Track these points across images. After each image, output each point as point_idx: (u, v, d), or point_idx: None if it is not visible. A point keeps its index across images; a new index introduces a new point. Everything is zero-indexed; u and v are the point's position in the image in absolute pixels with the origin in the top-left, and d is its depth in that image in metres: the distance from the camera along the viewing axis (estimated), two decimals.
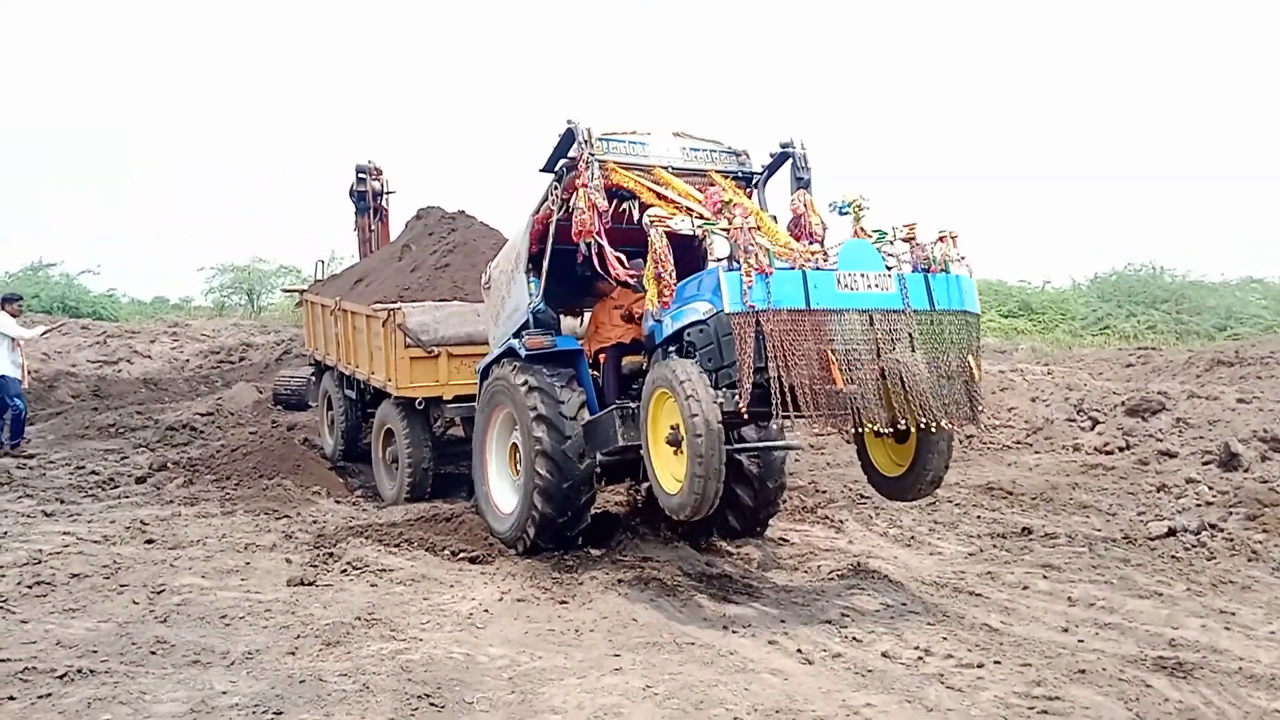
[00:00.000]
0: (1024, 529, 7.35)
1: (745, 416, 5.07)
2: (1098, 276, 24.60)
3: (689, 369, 5.14)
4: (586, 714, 4.07)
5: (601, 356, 6.73)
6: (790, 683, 4.42)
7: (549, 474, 6.23)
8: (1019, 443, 10.97)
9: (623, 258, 5.88)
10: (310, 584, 5.92)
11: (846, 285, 5.24)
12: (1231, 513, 7.30)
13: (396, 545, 6.78)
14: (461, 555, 6.63)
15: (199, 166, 57.89)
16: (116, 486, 9.08)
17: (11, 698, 4.18)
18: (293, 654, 4.76)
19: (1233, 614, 5.37)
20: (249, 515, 7.90)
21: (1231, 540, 6.66)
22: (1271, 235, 39.55)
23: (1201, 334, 19.58)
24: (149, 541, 6.97)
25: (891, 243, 5.57)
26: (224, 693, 4.26)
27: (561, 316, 7.20)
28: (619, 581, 5.92)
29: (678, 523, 7.04)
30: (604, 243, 5.83)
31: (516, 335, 6.76)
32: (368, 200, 14.20)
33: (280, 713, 4.06)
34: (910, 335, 5.25)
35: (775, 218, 6.47)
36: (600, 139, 6.26)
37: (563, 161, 6.39)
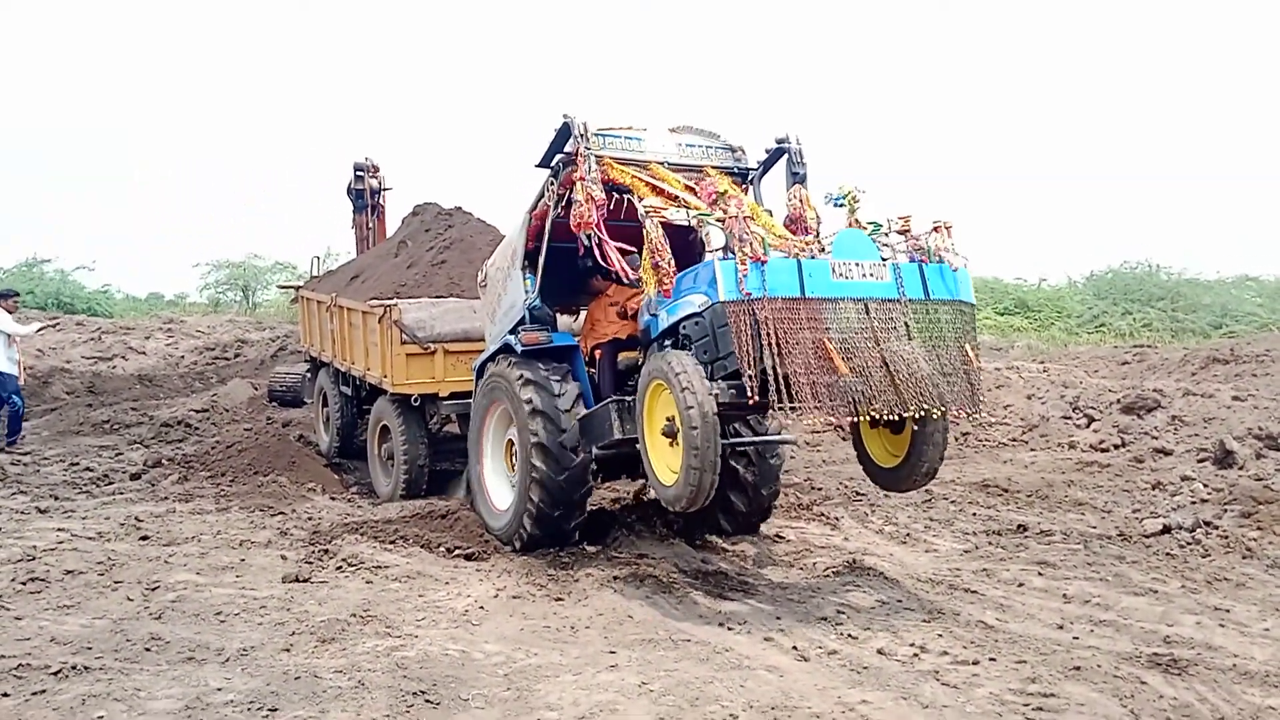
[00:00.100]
0: (1019, 526, 7.36)
1: (754, 403, 5.07)
2: (1094, 274, 24.65)
3: (685, 361, 5.15)
4: (582, 710, 4.06)
5: (598, 353, 6.73)
6: (786, 679, 4.42)
7: (545, 468, 6.23)
8: (1014, 440, 10.98)
9: (625, 247, 5.89)
10: (305, 581, 5.91)
11: (841, 274, 5.25)
12: (1226, 510, 7.31)
13: (392, 542, 6.77)
14: (457, 552, 6.62)
15: (198, 166, 57.81)
16: (111, 483, 9.06)
17: (6, 694, 4.17)
18: (288, 651, 4.75)
19: (1227, 611, 5.38)
20: (244, 512, 7.88)
21: (1226, 538, 6.67)
22: (1267, 233, 39.63)
23: (1197, 332, 19.60)
24: (144, 538, 6.96)
25: (887, 235, 5.58)
26: (219, 689, 4.26)
27: (558, 315, 7.20)
28: (614, 578, 5.92)
29: (673, 519, 7.07)
30: (603, 235, 5.83)
31: (513, 332, 6.76)
32: (366, 198, 14.18)
33: (275, 709, 4.06)
34: (906, 324, 5.26)
35: (771, 212, 6.47)
36: (596, 134, 6.26)
37: (559, 157, 6.39)
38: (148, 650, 4.73)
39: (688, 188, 6.03)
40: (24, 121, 53.26)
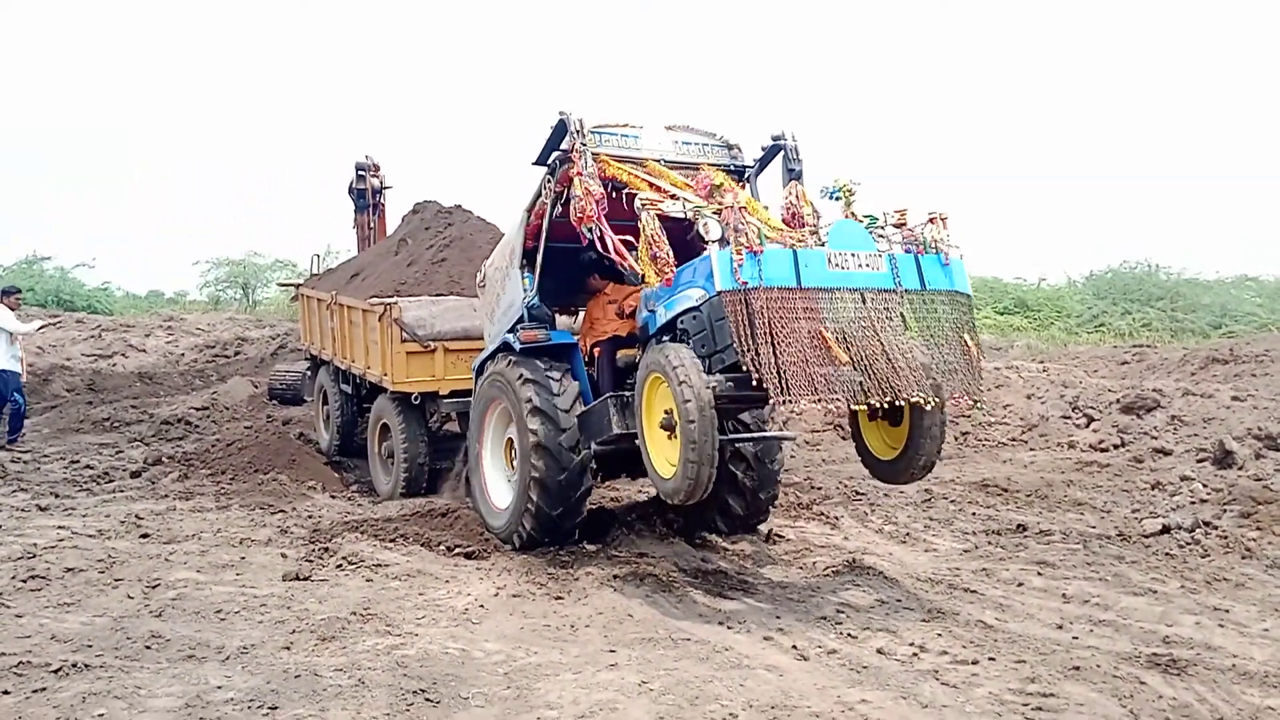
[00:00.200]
0: (1019, 526, 7.36)
1: (754, 391, 5.07)
2: (1093, 274, 24.60)
3: (683, 354, 5.15)
4: (581, 709, 4.07)
5: (596, 351, 6.73)
6: (785, 679, 4.42)
7: (544, 466, 6.23)
8: (1014, 440, 10.98)
9: (629, 239, 5.90)
10: (305, 579, 5.92)
11: (837, 264, 5.25)
12: (1226, 510, 7.32)
13: (392, 540, 6.77)
14: (457, 550, 6.63)
15: (198, 166, 57.78)
16: (111, 481, 9.07)
17: (6, 692, 4.17)
18: (288, 649, 4.75)
19: (1227, 611, 5.38)
20: (244, 510, 7.89)
21: (1226, 538, 6.68)
22: (1267, 233, 39.57)
23: (1196, 332, 19.59)
24: (144, 536, 6.96)
25: (883, 228, 5.59)
26: (219, 687, 4.26)
27: (557, 315, 7.21)
28: (614, 577, 5.92)
29: (673, 518, 7.08)
30: (605, 227, 5.83)
31: (512, 330, 6.76)
32: (367, 197, 14.16)
33: (275, 707, 4.06)
34: (903, 315, 5.27)
35: (767, 208, 6.47)
36: (593, 131, 6.26)
37: (555, 154, 6.39)
38: (148, 648, 4.73)
39: (684, 184, 6.04)
40: (24, 121, 53.29)
